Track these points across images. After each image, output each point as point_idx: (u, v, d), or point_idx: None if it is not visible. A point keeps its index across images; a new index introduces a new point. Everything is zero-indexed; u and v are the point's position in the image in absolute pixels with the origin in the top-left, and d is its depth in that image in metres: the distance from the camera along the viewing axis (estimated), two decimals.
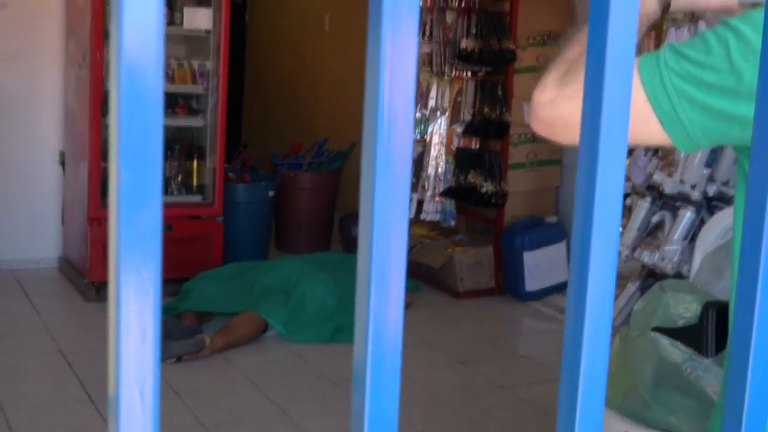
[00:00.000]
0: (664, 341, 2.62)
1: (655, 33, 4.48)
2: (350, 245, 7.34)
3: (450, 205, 6.83)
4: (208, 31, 6.40)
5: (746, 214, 0.63)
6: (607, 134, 0.54)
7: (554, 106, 1.35)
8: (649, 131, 1.28)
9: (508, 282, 6.58)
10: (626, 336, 2.86)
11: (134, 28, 0.42)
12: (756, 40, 1.19)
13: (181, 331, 5.23)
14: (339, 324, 5.52)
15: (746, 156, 1.27)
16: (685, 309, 2.79)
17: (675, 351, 2.57)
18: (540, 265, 6.49)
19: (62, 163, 6.62)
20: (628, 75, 0.54)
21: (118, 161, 0.43)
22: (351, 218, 7.46)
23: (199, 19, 6.35)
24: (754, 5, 1.30)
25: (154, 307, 0.45)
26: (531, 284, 6.45)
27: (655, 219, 4.33)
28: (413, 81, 0.47)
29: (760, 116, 0.60)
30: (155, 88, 0.43)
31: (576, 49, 1.38)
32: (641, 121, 1.26)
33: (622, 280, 5.24)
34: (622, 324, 4.11)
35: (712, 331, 2.74)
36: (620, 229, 3.63)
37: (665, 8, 1.50)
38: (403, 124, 0.48)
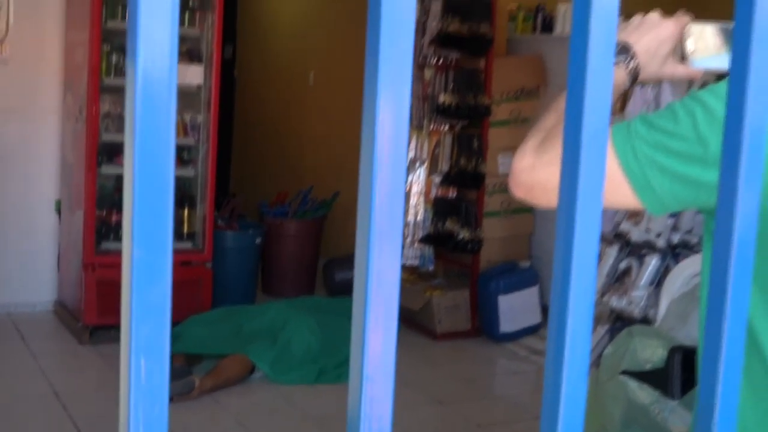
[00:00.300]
0: (633, 384, 2.63)
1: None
2: (334, 290, 7.33)
3: (428, 250, 6.83)
4: (199, 86, 6.42)
5: (712, 274, 0.65)
6: (583, 201, 0.55)
7: (533, 172, 1.36)
8: (623, 196, 1.30)
9: (483, 324, 6.58)
10: (597, 379, 2.87)
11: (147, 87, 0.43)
12: (720, 110, 1.21)
13: (173, 373, 5.21)
14: (323, 366, 5.52)
15: (711, 217, 1.29)
16: (652, 353, 2.80)
17: (643, 393, 2.57)
18: (514, 308, 6.51)
19: (58, 211, 6.61)
20: (603, 146, 0.55)
21: (132, 241, 0.44)
22: (334, 264, 7.47)
23: (190, 75, 6.36)
24: (718, 78, 1.32)
25: (164, 375, 0.46)
26: (505, 326, 6.46)
27: (622, 266, 4.36)
28: (405, 137, 0.48)
29: (724, 182, 0.62)
30: (167, 174, 0.45)
31: (552, 118, 1.40)
32: (615, 186, 1.28)
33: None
34: (592, 365, 4.11)
35: (677, 374, 2.75)
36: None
37: (634, 79, 1.52)
38: (396, 174, 0.49)
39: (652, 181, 1.28)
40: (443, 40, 6.57)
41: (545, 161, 1.34)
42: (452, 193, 6.69)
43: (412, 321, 6.61)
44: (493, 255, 6.66)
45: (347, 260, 7.35)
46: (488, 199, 6.56)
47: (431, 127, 6.70)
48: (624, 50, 1.52)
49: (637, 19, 1.59)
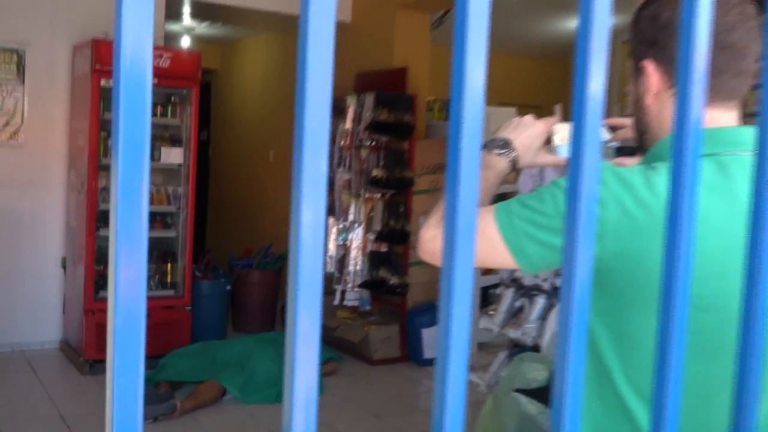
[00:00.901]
0: (523, 399, 2.63)
1: None
2: (283, 325, 7.29)
3: (366, 294, 6.82)
4: (179, 165, 6.42)
5: (560, 312, 0.70)
6: (460, 260, 0.60)
7: (435, 242, 1.36)
8: (503, 259, 1.29)
9: (410, 352, 6.57)
10: (495, 396, 2.89)
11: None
12: None
13: (158, 397, 5.16)
14: (281, 389, 5.48)
15: None
16: (538, 374, 2.81)
17: (531, 407, 2.55)
18: (434, 339, 6.53)
19: (63, 266, 6.52)
20: (473, 218, 0.60)
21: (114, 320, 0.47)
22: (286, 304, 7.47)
23: (173, 156, 6.37)
24: None
25: (138, 395, 0.49)
26: (428, 353, 6.46)
27: (517, 304, 4.38)
28: (322, 228, 0.52)
29: (568, 246, 0.67)
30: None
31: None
32: (497, 251, 1.28)
33: (494, 349, 5.31)
34: (495, 384, 4.14)
35: None
36: (492, 312, 3.69)
37: (514, 166, 1.55)
38: (315, 253, 0.53)
39: (525, 248, 1.27)
40: (375, 127, 6.63)
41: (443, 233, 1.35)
42: (384, 248, 6.71)
43: (353, 350, 6.60)
44: (417, 296, 6.67)
45: None
46: (413, 252, 6.58)
47: (366, 195, 6.73)
48: (506, 145, 1.55)
49: (515, 120, 1.62)
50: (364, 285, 6.79)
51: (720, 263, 1.20)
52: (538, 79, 10.25)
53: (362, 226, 6.77)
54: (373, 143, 6.71)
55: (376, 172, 6.65)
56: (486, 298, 6.68)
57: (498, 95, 7.73)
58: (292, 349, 0.53)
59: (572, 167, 0.68)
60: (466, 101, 0.59)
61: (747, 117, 1.35)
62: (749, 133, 1.29)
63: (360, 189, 6.80)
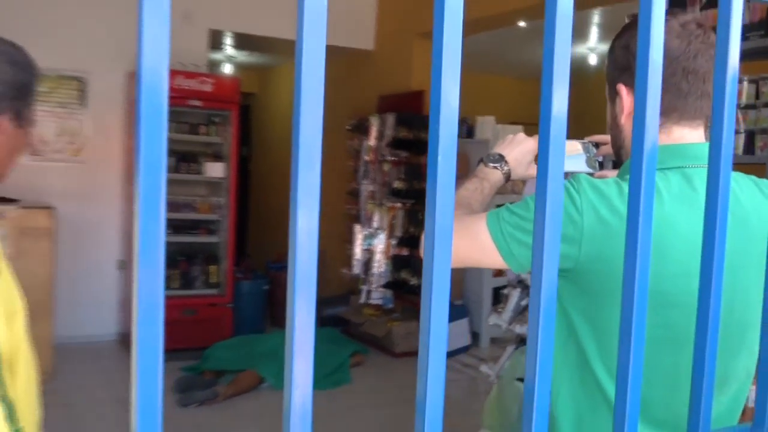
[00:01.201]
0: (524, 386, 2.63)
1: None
2: (321, 322, 7.23)
3: (389, 293, 6.84)
4: (222, 178, 6.46)
5: (530, 306, 0.71)
6: (438, 257, 0.61)
7: None
8: (494, 260, 1.29)
9: None
10: (500, 384, 2.87)
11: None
12: None
13: (203, 384, 5.20)
14: (316, 377, 5.49)
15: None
16: None
17: None
18: (450, 334, 6.52)
19: (122, 268, 6.62)
20: (449, 228, 0.61)
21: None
22: (322, 303, 7.45)
23: (216, 170, 6.42)
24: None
25: (157, 376, 0.49)
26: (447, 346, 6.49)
27: (523, 303, 4.36)
28: (316, 233, 0.53)
29: (536, 248, 0.67)
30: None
31: (465, 211, 1.41)
32: (488, 253, 1.28)
33: (504, 343, 5.30)
34: (499, 374, 4.14)
35: None
36: (500, 310, 3.67)
37: (507, 178, 1.56)
38: (310, 257, 0.55)
39: (513, 250, 1.26)
40: (396, 144, 6.67)
41: None
42: (405, 252, 6.73)
43: (378, 344, 6.61)
44: None
45: (331, 300, 7.37)
46: None
47: (389, 204, 6.76)
48: (500, 159, 1.57)
49: (509, 137, 1.62)
50: (387, 285, 6.81)
51: (686, 264, 1.20)
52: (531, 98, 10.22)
53: (385, 232, 6.80)
54: (395, 158, 6.75)
55: (397, 184, 6.69)
56: (497, 298, 6.66)
57: (509, 115, 7.72)
58: (291, 331, 0.55)
59: (539, 177, 0.70)
60: (442, 120, 0.61)
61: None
62: (706, 148, 1.30)
63: (383, 199, 6.83)
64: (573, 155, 1.57)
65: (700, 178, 1.26)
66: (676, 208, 1.21)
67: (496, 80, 9.89)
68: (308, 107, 0.53)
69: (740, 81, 3.01)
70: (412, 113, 6.71)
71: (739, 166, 3.16)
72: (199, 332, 6.00)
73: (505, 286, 4.69)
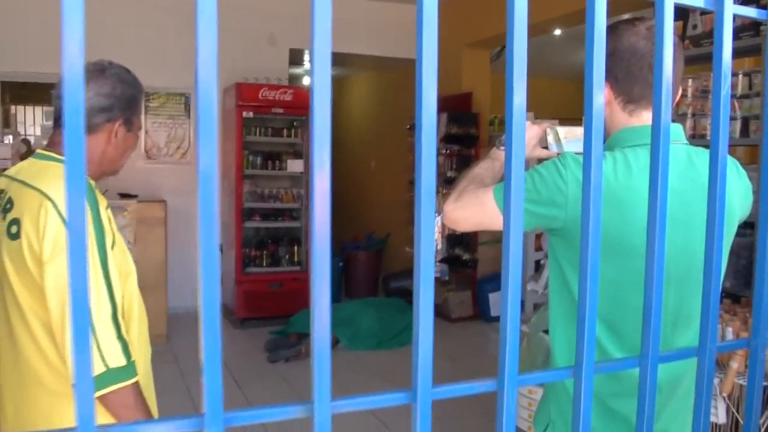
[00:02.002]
0: (547, 338, 2.63)
1: None
2: (388, 293, 7.34)
3: (446, 267, 6.84)
4: (301, 172, 6.53)
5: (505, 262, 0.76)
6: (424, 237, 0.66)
7: (453, 212, 1.44)
8: (498, 223, 1.32)
9: (480, 311, 6.60)
10: (528, 337, 2.88)
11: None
12: (545, 173, 1.31)
13: (289, 344, 5.34)
14: (380, 339, 5.56)
15: (551, 233, 1.38)
16: None
17: None
18: (498, 301, 6.54)
19: (221, 250, 6.77)
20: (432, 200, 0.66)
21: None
22: (388, 277, 7.52)
23: (296, 166, 6.51)
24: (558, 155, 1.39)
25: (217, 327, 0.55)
26: (494, 312, 6.49)
27: (542, 261, 4.38)
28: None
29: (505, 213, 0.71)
30: None
31: (464, 182, 1.50)
32: (494, 218, 1.36)
33: (540, 306, 5.27)
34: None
35: None
36: (537, 278, 3.68)
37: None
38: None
39: None
40: (448, 139, 6.68)
41: (460, 206, 1.42)
42: (458, 232, 6.78)
43: (436, 311, 6.62)
44: (485, 268, 6.66)
45: (396, 275, 7.46)
46: (481, 234, 6.61)
47: (444, 192, 6.77)
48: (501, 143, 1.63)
49: None
50: (443, 260, 6.84)
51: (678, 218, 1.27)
52: (577, 97, 10.05)
53: (441, 215, 6.83)
54: (448, 151, 6.76)
55: (450, 174, 6.70)
56: (538, 269, 6.64)
57: (545, 110, 7.64)
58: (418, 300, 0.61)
59: (507, 158, 0.73)
60: (514, 115, 0.65)
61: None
62: (678, 128, 1.38)
63: (438, 187, 6.85)
64: (560, 143, 1.59)
65: (672, 151, 1.30)
66: (643, 177, 1.26)
67: (535, 81, 9.72)
68: (426, 105, 0.59)
69: (735, 74, 2.98)
70: (462, 112, 6.71)
71: (735, 147, 3.10)
72: (285, 302, 6.16)
73: (540, 259, 4.70)
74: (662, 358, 0.62)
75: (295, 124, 6.58)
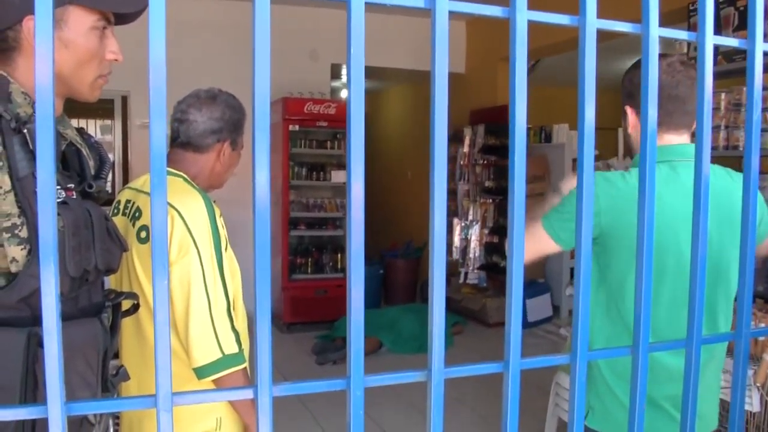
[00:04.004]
0: None
1: None
2: (426, 300, 7.34)
3: (483, 274, 6.86)
4: (344, 183, 6.56)
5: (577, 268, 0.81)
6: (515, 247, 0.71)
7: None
8: (549, 245, 1.54)
9: None
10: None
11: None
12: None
13: (335, 347, 5.39)
14: (421, 343, 5.56)
15: (595, 243, 1.51)
16: None
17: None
18: (535, 307, 6.51)
19: None
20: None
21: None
22: (426, 284, 7.54)
23: (339, 177, 6.58)
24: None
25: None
26: (531, 317, 6.46)
27: None
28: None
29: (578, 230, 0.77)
30: None
31: (531, 222, 1.62)
32: (544, 242, 1.54)
33: None
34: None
35: None
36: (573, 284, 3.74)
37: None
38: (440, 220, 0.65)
39: (558, 233, 1.52)
40: (486, 150, 6.70)
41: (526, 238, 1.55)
42: (495, 239, 6.76)
43: (475, 317, 6.66)
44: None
45: None
46: None
47: (481, 200, 6.80)
48: (556, 188, 1.75)
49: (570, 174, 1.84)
50: (481, 267, 6.86)
51: (672, 224, 1.46)
52: (613, 106, 9.96)
53: (479, 223, 6.85)
54: (485, 161, 6.78)
55: (488, 183, 6.73)
56: (573, 276, 6.60)
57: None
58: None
59: (579, 164, 0.77)
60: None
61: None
62: (691, 148, 1.54)
63: (476, 196, 6.88)
64: None
65: (682, 167, 1.51)
66: (663, 187, 1.47)
67: (570, 93, 9.68)
68: (439, 122, 0.63)
69: (765, 88, 2.98)
70: (498, 124, 6.72)
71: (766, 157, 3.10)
72: (329, 308, 6.23)
73: None
74: (704, 340, 0.66)
75: (338, 136, 6.65)
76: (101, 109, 7.34)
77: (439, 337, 0.66)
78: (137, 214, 1.67)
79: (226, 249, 1.63)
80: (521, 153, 0.65)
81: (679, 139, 1.57)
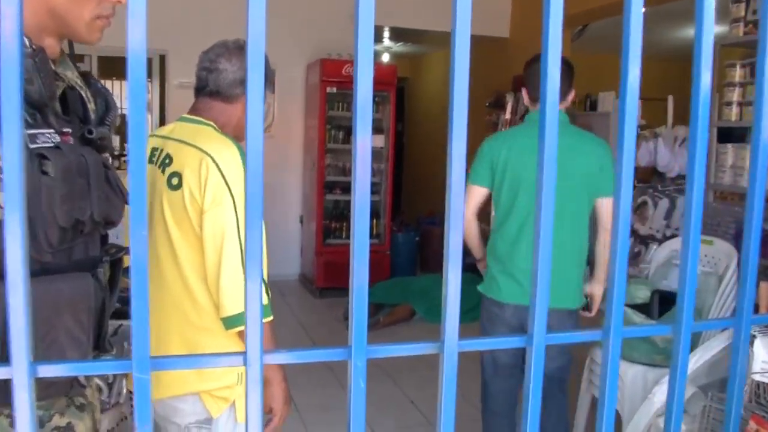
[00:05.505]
0: (629, 311, 2.69)
1: None
2: (464, 269, 7.34)
3: None
4: (381, 148, 6.59)
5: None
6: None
7: None
8: (479, 192, 2.73)
9: None
10: None
11: None
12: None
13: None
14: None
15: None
16: (642, 293, 2.82)
17: (636, 317, 2.62)
18: None
19: (301, 221, 6.86)
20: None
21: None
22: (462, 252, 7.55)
23: (377, 141, 6.53)
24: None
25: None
26: None
27: (636, 249, 4.35)
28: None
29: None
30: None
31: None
32: (474, 192, 2.65)
33: None
34: None
35: (656, 306, 2.80)
36: None
37: None
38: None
39: (479, 177, 2.60)
40: None
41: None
42: None
43: None
44: None
45: (467, 252, 7.47)
46: None
47: None
48: None
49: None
50: None
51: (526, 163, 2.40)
52: (664, 76, 9.76)
53: None
54: None
55: None
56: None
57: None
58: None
59: (620, 132, 0.79)
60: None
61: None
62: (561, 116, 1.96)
63: None
64: None
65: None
66: (532, 141, 2.18)
67: (616, 59, 9.50)
68: (459, 90, 0.60)
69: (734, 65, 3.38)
70: None
71: (730, 128, 3.35)
72: None
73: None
74: (696, 327, 0.64)
75: (376, 99, 6.62)
76: None
77: (454, 306, 0.62)
78: (167, 161, 1.65)
79: None
80: (552, 125, 0.61)
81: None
